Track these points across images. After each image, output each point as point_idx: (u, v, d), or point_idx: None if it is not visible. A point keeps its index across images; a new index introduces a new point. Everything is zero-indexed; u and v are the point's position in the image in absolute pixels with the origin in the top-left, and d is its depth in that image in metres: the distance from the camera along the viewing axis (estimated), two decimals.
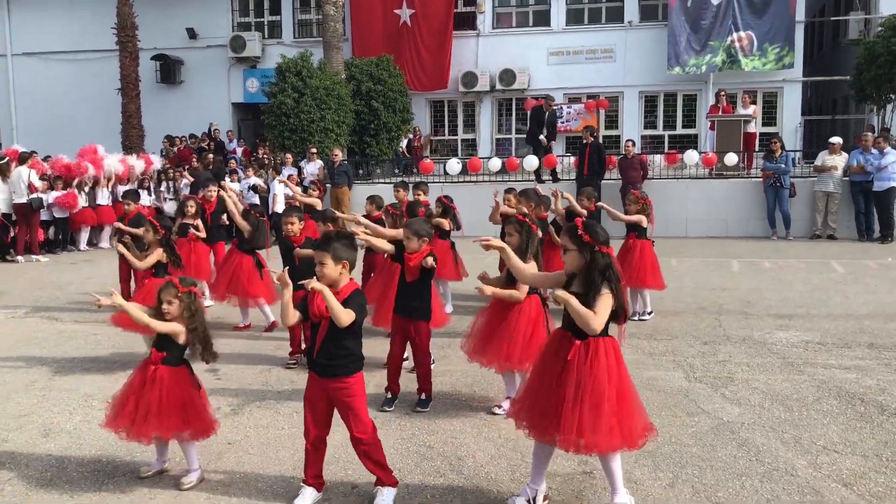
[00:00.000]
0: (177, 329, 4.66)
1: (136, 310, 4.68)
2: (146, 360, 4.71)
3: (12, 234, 14.96)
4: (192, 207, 9.82)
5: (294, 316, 4.27)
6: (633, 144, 16.74)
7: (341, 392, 4.29)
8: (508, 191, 8.79)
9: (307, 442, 4.44)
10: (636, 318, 8.70)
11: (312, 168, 17.58)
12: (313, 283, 4.06)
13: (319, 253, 4.25)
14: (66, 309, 10.12)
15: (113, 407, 4.69)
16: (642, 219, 8.70)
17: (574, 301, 3.95)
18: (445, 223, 9.20)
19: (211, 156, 19.05)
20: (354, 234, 5.49)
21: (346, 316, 4.08)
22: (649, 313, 8.82)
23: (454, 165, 17.79)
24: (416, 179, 14.36)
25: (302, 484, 4.47)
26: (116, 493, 4.60)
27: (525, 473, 4.74)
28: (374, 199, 8.94)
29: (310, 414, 4.39)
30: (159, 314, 4.70)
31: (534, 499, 4.28)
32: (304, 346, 7.39)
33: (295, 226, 7.36)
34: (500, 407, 5.80)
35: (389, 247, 6.15)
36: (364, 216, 9.64)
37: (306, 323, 4.39)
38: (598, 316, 3.94)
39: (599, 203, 9.28)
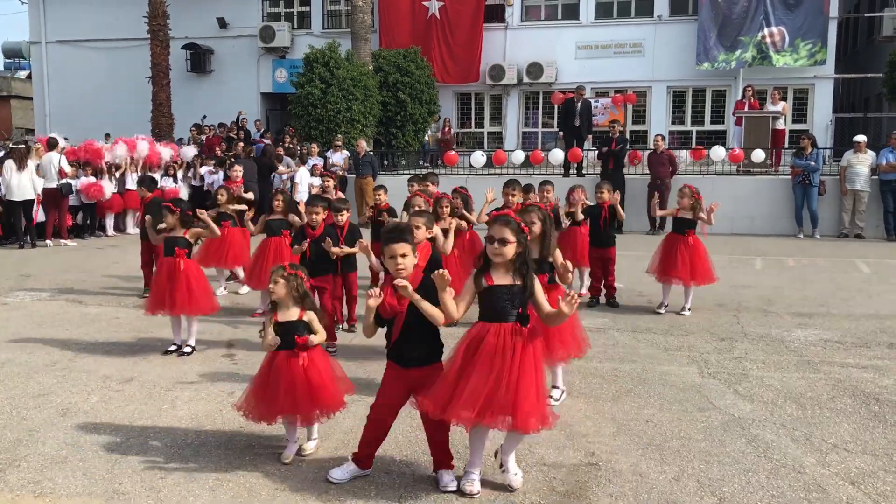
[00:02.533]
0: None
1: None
2: (290, 350, 4.73)
3: (33, 220, 15.19)
4: (222, 195, 9.86)
5: (375, 330, 4.38)
6: (663, 139, 16.61)
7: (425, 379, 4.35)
8: (509, 184, 8.76)
9: (376, 429, 4.53)
10: (680, 311, 8.77)
11: (338, 158, 17.67)
12: (402, 286, 4.11)
13: (400, 245, 4.27)
14: (90, 292, 10.29)
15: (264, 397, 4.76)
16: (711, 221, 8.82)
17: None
18: (472, 216, 9.28)
19: (242, 144, 19.19)
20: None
21: (440, 317, 4.20)
22: (689, 310, 8.80)
23: (479, 158, 17.78)
24: (441, 171, 14.36)
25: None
26: (128, 471, 4.68)
27: (531, 462, 4.77)
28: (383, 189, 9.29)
29: (389, 401, 4.46)
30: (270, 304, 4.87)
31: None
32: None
33: (319, 216, 7.42)
34: (551, 397, 5.78)
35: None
36: (375, 206, 9.78)
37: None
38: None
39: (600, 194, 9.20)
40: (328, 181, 10.98)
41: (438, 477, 4.51)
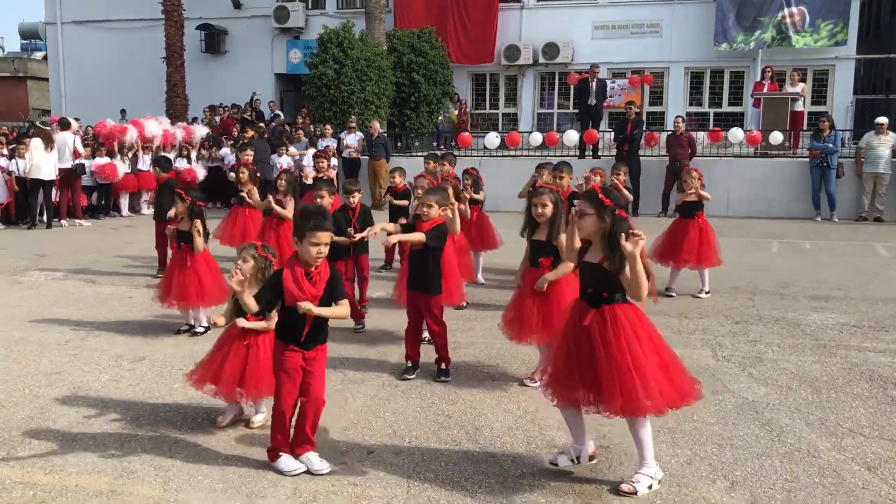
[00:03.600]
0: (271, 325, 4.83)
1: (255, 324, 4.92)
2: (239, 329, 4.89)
3: (53, 200, 15.24)
4: (244, 174, 9.79)
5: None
6: (683, 121, 16.46)
7: None
8: (543, 166, 8.69)
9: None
10: (697, 294, 8.75)
11: (351, 140, 17.62)
12: (306, 308, 4.14)
13: (324, 234, 4.19)
14: (104, 272, 10.33)
15: (213, 372, 4.93)
16: (707, 196, 8.79)
17: (639, 263, 3.85)
18: (481, 196, 9.28)
19: (262, 125, 19.16)
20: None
21: (346, 314, 4.38)
22: (707, 292, 8.74)
23: (492, 139, 17.68)
24: (455, 152, 14.27)
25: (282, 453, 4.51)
26: (138, 450, 4.70)
27: (541, 444, 4.75)
28: (399, 172, 9.23)
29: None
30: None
31: (577, 458, 4.36)
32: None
33: (325, 199, 7.36)
34: (531, 379, 5.78)
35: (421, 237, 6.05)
36: (390, 189, 9.75)
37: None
38: (643, 279, 3.89)
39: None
40: (322, 162, 10.86)
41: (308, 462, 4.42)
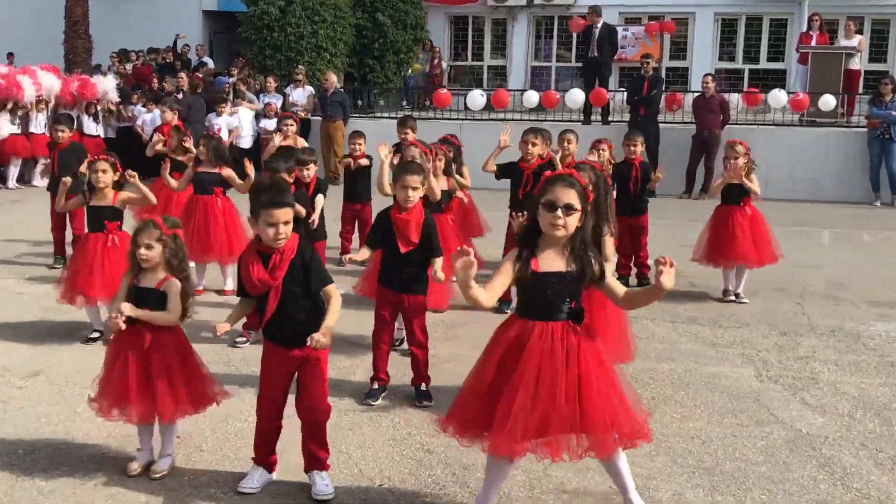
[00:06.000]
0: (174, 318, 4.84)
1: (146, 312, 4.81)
2: (131, 328, 4.74)
3: None
4: (170, 139, 9.63)
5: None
6: (714, 80, 16.47)
7: None
8: (531, 131, 8.63)
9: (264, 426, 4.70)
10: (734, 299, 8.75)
11: (299, 96, 17.47)
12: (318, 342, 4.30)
13: (284, 211, 4.33)
14: None
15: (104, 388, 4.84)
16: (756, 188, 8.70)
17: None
18: (466, 174, 9.20)
19: (200, 75, 18.90)
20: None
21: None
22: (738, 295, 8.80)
23: (477, 98, 17.61)
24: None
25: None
26: (33, 494, 4.60)
27: (547, 489, 4.71)
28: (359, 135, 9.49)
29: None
30: (134, 265, 4.83)
31: None
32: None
33: (311, 171, 7.47)
34: None
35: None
36: (348, 156, 9.72)
37: None
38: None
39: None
40: (288, 125, 10.81)
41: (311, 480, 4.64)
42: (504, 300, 7.24)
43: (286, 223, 4.31)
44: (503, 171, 8.32)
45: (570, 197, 3.99)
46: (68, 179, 7.47)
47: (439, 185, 7.16)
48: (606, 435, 4.00)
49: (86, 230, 7.27)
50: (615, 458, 4.21)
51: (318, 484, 4.59)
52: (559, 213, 3.97)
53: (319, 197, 7.57)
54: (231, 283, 8.63)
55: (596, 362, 4.07)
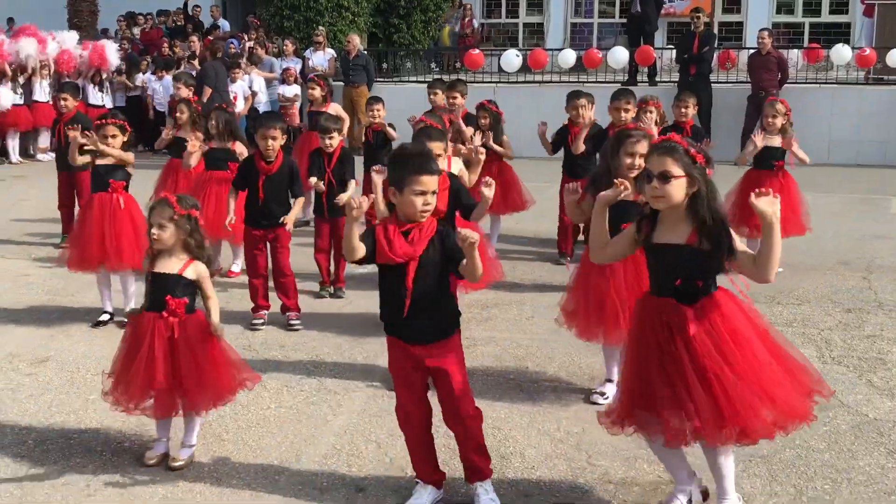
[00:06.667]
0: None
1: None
2: (154, 315, 4.79)
3: None
4: (183, 114, 9.66)
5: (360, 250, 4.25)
6: (770, 35, 16.30)
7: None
8: (575, 95, 8.59)
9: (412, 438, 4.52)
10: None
11: (320, 60, 17.47)
12: (468, 234, 3.99)
13: (431, 179, 4.22)
14: None
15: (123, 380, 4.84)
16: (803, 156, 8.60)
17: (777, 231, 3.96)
18: (506, 143, 9.21)
19: (216, 39, 18.94)
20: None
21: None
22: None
23: (512, 60, 17.54)
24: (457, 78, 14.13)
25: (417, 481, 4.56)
26: (46, 486, 4.67)
27: (592, 479, 4.73)
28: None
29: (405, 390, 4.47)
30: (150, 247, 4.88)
31: (690, 500, 4.37)
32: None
33: (276, 141, 7.21)
34: (602, 395, 5.73)
35: None
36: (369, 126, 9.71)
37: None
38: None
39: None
40: (314, 88, 10.75)
41: (474, 495, 4.48)
42: (563, 252, 7.42)
43: (434, 193, 4.26)
44: (556, 143, 8.52)
45: (666, 164, 3.98)
46: (77, 134, 7.55)
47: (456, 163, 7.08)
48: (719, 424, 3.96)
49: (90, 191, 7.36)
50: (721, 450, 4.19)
51: (482, 497, 4.46)
52: (655, 183, 3.99)
53: (352, 183, 7.68)
54: (239, 265, 8.72)
55: (707, 350, 4.01)
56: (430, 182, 4.20)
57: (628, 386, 4.25)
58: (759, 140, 8.54)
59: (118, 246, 7.02)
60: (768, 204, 3.85)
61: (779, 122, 8.56)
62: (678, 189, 3.98)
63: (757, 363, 3.99)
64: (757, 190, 3.92)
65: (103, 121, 7.35)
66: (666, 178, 3.96)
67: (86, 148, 7.36)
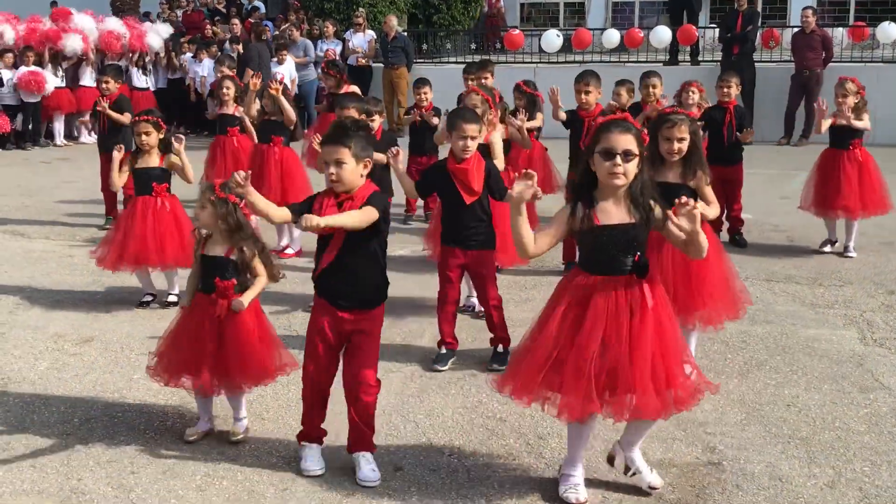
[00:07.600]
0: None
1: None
2: (205, 296, 4.92)
3: None
4: (228, 90, 9.75)
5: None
6: (814, 13, 16.12)
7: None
8: (583, 76, 8.55)
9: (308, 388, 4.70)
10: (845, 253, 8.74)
11: (360, 42, 17.49)
12: (312, 220, 4.09)
13: (334, 148, 4.34)
14: (34, 222, 10.43)
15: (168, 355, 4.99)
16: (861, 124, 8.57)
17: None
18: (539, 122, 9.18)
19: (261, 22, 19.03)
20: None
21: (361, 215, 4.30)
22: (854, 249, 8.77)
23: (553, 39, 17.46)
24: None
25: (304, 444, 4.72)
26: (90, 463, 4.75)
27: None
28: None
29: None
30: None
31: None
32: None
33: (376, 121, 7.52)
34: None
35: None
36: (414, 107, 9.74)
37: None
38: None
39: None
40: (328, 79, 10.82)
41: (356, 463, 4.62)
42: (570, 261, 7.33)
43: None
44: (568, 120, 8.38)
45: (628, 142, 4.00)
46: (120, 151, 7.33)
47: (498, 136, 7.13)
48: (654, 399, 4.04)
49: (134, 193, 7.43)
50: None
51: (364, 468, 4.59)
52: (618, 160, 3.98)
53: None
54: (292, 244, 8.81)
55: (657, 322, 4.11)
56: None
57: (542, 360, 4.17)
58: (823, 126, 8.49)
59: (162, 245, 7.07)
60: (690, 221, 3.91)
61: (850, 101, 8.48)
62: (636, 167, 4.04)
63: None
64: (677, 201, 3.93)
65: (138, 118, 7.39)
66: (629, 155, 4.00)
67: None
